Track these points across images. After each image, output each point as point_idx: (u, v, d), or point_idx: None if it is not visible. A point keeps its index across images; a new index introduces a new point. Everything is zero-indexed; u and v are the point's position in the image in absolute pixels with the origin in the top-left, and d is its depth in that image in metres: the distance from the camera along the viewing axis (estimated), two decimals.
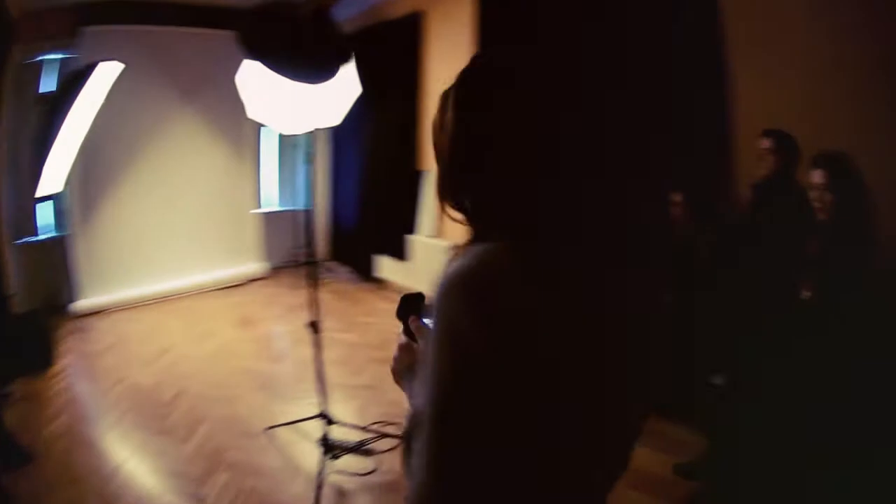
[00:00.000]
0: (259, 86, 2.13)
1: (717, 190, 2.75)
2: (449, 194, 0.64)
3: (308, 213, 2.63)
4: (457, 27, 4.21)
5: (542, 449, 0.52)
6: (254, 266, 5.05)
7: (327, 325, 3.96)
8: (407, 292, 0.76)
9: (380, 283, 4.94)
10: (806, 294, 1.90)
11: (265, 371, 3.23)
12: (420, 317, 0.75)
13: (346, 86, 2.30)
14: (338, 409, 2.52)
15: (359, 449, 2.31)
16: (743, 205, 2.50)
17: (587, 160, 0.56)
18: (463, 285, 0.51)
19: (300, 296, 4.57)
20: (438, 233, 4.45)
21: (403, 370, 0.73)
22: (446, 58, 4.39)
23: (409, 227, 4.51)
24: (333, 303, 4.48)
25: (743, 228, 2.37)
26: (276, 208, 5.49)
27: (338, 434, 2.34)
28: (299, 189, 5.47)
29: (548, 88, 0.57)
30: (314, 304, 2.45)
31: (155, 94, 4.34)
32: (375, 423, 2.54)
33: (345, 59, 2.15)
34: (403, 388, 0.73)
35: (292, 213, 5.42)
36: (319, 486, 2.07)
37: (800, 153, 2.15)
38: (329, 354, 3.15)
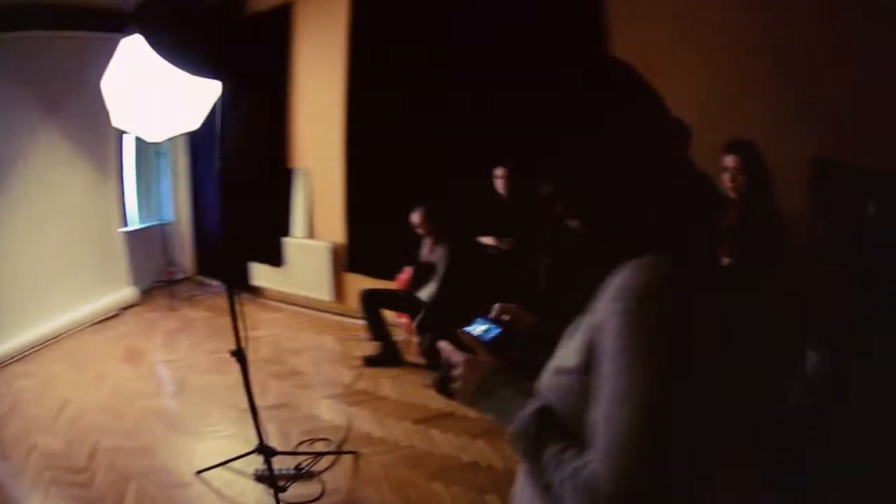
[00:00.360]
0: (124, 90, 2.08)
1: None
2: (600, 222, 0.70)
3: (170, 227, 2.62)
4: (329, 20, 4.12)
5: (713, 438, 0.64)
6: (126, 292, 4.70)
7: (212, 346, 3.83)
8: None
9: (256, 293, 4.91)
10: (725, 260, 2.14)
11: (170, 409, 3.16)
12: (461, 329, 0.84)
13: (207, 85, 2.20)
14: (254, 436, 2.51)
15: (300, 475, 2.37)
16: None
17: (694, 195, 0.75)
18: (661, 295, 0.58)
19: (178, 318, 4.55)
20: (312, 233, 4.51)
21: (474, 387, 0.76)
22: (318, 52, 4.30)
23: (283, 230, 4.51)
24: (213, 320, 4.41)
25: None
26: (138, 225, 5.07)
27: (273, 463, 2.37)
28: (160, 201, 5.17)
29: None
30: (235, 330, 2.32)
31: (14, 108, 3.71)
32: (302, 442, 2.67)
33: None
34: (478, 405, 0.77)
35: (156, 228, 5.11)
36: None
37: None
38: (226, 379, 3.19)
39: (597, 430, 0.59)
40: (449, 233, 3.59)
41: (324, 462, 2.49)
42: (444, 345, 0.84)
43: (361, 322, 4.23)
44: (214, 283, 5.22)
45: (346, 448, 2.63)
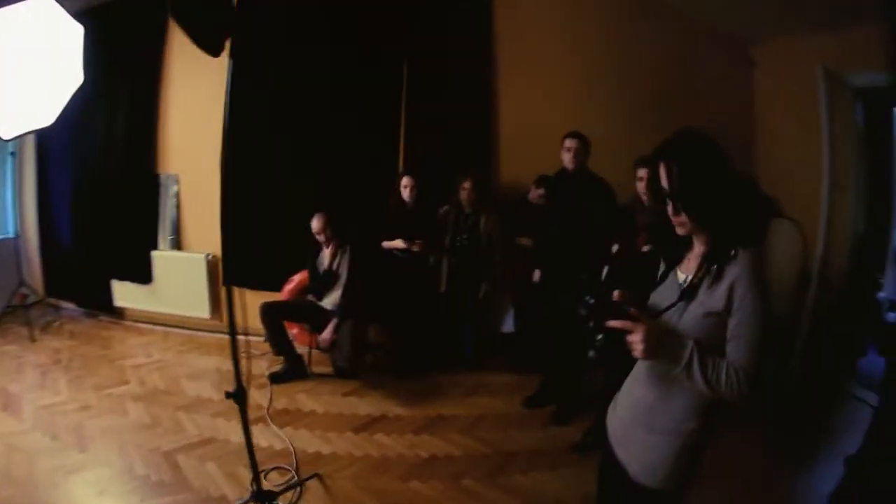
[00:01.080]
0: None
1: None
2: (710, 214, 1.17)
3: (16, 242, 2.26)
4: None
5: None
6: None
7: (95, 381, 3.32)
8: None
9: (119, 314, 4.21)
10: (646, 247, 2.66)
11: (80, 463, 2.54)
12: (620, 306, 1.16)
13: (64, 76, 1.94)
14: (200, 481, 2.40)
15: None
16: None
17: None
18: (762, 274, 1.12)
19: (42, 351, 3.80)
20: (181, 245, 4.01)
21: (656, 343, 1.11)
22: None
23: (151, 242, 3.89)
24: (81, 350, 3.80)
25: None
26: None
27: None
28: (3, 212, 4.21)
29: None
30: (236, 364, 2.06)
31: None
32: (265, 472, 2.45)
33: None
34: (661, 356, 1.13)
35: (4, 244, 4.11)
36: None
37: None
38: (129, 419, 2.94)
39: (735, 341, 1.12)
40: (349, 238, 3.61)
41: (290, 493, 2.36)
42: (615, 323, 1.14)
43: (244, 338, 3.99)
44: (70, 305, 4.38)
45: (301, 471, 2.55)
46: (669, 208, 1.22)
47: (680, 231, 1.23)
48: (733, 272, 1.12)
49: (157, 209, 4.03)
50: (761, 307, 1.10)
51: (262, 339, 4.02)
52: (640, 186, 2.74)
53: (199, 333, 4.15)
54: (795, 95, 3.84)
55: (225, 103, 3.80)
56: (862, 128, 3.91)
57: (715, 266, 1.16)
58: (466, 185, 3.55)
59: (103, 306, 4.25)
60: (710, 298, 1.14)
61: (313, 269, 3.60)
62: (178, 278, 4.02)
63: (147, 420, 2.91)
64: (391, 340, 3.96)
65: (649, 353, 1.11)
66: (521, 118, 4.03)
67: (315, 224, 3.47)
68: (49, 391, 3.21)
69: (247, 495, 2.17)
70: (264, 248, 3.90)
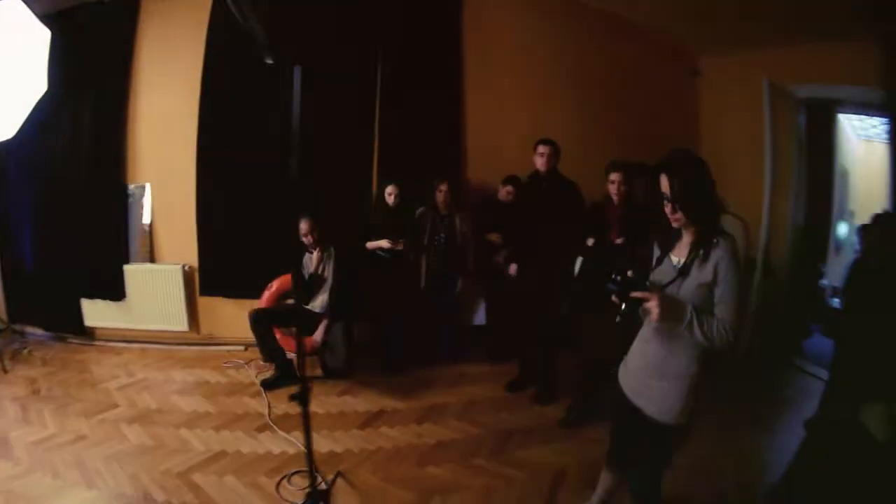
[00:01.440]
0: None
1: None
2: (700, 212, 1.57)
3: None
4: (187, 12, 3.55)
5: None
6: None
7: (81, 407, 3.12)
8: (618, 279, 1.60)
9: (90, 335, 3.98)
10: (619, 240, 2.96)
11: (92, 501, 2.38)
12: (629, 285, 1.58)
13: (28, 85, 1.82)
14: (225, 497, 2.40)
15: None
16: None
17: None
18: (738, 251, 1.54)
19: (17, 382, 3.46)
20: (154, 257, 3.85)
21: (667, 308, 1.52)
22: (169, 47, 3.54)
23: (122, 256, 3.70)
24: (58, 377, 3.50)
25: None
26: None
27: None
28: None
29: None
30: (302, 367, 2.08)
31: None
32: (280, 481, 2.52)
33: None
34: (670, 318, 1.52)
35: None
36: None
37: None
38: (130, 444, 2.80)
39: (720, 306, 1.53)
40: (334, 241, 3.69)
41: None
42: (638, 294, 1.56)
43: (226, 348, 3.96)
44: (37, 331, 4.04)
45: (321, 469, 2.61)
46: (668, 208, 1.61)
47: (675, 225, 1.64)
48: (717, 254, 1.55)
49: (127, 221, 3.81)
50: (739, 279, 1.55)
51: (241, 348, 4.02)
52: (612, 188, 3.07)
53: (178, 348, 4.00)
54: (739, 103, 4.43)
55: (198, 111, 3.73)
56: (804, 133, 4.58)
57: (702, 250, 1.59)
58: (443, 187, 3.75)
59: (73, 328, 3.97)
60: (701, 274, 1.57)
61: (298, 274, 3.63)
62: (153, 292, 3.84)
63: (150, 442, 2.82)
64: (377, 338, 4.05)
65: (662, 316, 1.51)
66: (485, 127, 4.32)
67: (303, 226, 3.51)
68: (35, 425, 2.96)
69: (302, 498, 2.28)
70: (241, 256, 3.86)
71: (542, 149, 3.40)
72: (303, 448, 2.77)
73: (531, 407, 3.41)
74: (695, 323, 1.52)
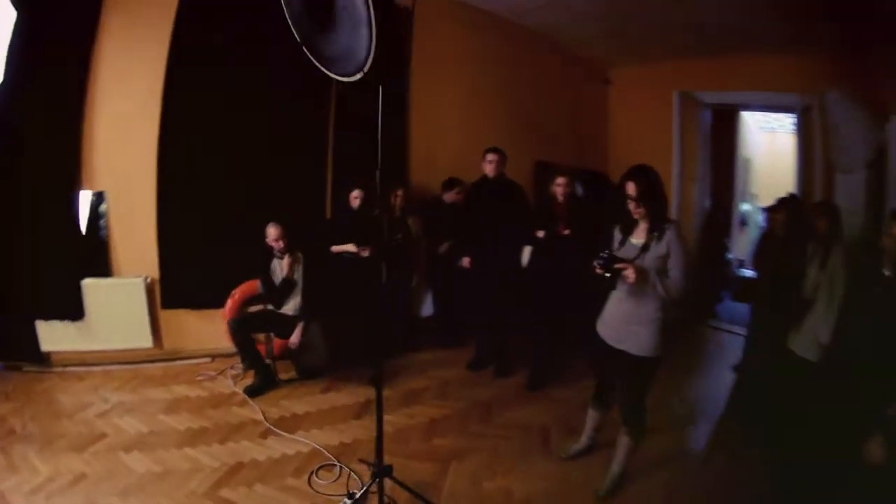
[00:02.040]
0: None
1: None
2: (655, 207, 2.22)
3: None
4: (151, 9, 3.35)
5: None
6: None
7: (64, 444, 2.82)
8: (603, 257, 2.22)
9: (46, 362, 3.54)
10: (566, 231, 3.50)
11: None
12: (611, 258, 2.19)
13: None
14: None
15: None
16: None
17: None
18: (681, 231, 2.24)
19: None
20: (115, 269, 3.56)
21: (639, 274, 2.12)
22: (134, 38, 3.37)
23: (80, 271, 3.36)
24: (26, 410, 3.10)
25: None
26: None
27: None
28: None
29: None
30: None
31: None
32: (318, 469, 2.67)
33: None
34: (641, 280, 2.14)
35: None
36: None
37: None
38: (135, 474, 2.64)
39: (673, 270, 2.18)
40: (302, 245, 3.79)
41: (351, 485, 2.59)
42: (620, 265, 2.17)
43: (193, 361, 3.88)
44: None
45: (342, 460, 2.81)
46: (632, 205, 2.28)
47: (636, 216, 2.29)
48: (668, 235, 2.21)
49: (81, 232, 3.42)
50: (685, 251, 2.22)
51: (208, 360, 3.94)
52: (558, 189, 3.63)
53: (143, 366, 3.74)
54: (648, 106, 5.33)
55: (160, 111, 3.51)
56: (709, 129, 5.66)
57: (657, 233, 2.24)
58: (399, 192, 4.03)
59: (30, 355, 3.47)
60: (658, 249, 2.22)
61: (267, 280, 3.66)
62: (114, 308, 3.52)
63: (157, 468, 2.68)
64: (350, 335, 4.15)
65: (637, 280, 2.15)
66: (428, 137, 4.68)
67: (273, 232, 3.55)
68: (25, 471, 2.61)
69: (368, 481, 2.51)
70: (203, 265, 3.75)
71: (490, 157, 3.85)
72: (316, 445, 2.98)
73: (494, 381, 3.94)
74: (658, 283, 2.17)
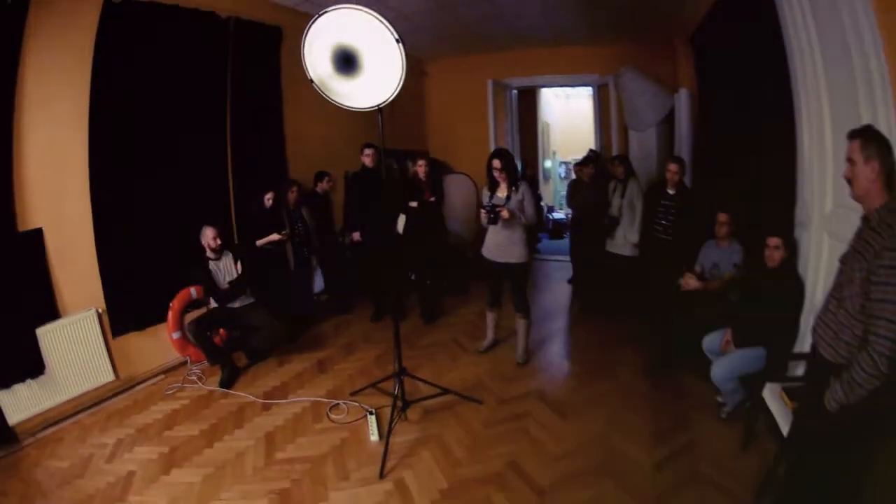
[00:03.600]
0: None
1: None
2: (511, 172, 3.61)
3: None
4: (73, 26, 3.21)
5: None
6: None
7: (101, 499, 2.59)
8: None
9: (15, 439, 3.10)
10: (431, 198, 4.62)
11: None
12: None
13: None
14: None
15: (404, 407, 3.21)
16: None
17: None
18: (528, 185, 3.79)
19: None
20: (58, 309, 3.36)
21: (510, 213, 3.52)
22: (55, 59, 3.12)
23: (34, 318, 3.12)
24: (28, 496, 2.66)
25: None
26: None
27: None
28: None
29: None
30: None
31: None
32: (357, 391, 3.31)
33: None
34: (511, 217, 3.49)
35: None
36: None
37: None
38: (194, 486, 2.71)
39: (528, 208, 3.64)
40: (234, 244, 4.27)
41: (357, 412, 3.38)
42: (501, 208, 3.58)
43: (149, 383, 3.98)
44: None
45: (339, 399, 3.56)
46: (497, 173, 3.51)
47: (499, 180, 3.51)
48: (522, 188, 3.51)
49: (31, 274, 3.02)
50: (534, 197, 3.60)
51: (162, 377, 4.03)
52: (420, 169, 4.82)
53: (109, 402, 3.56)
54: (464, 92, 6.61)
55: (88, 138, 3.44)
56: (515, 105, 7.13)
57: (514, 188, 3.49)
58: (294, 189, 4.65)
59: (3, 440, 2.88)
60: (516, 197, 3.48)
61: (210, 282, 3.90)
62: (72, 349, 3.24)
63: (209, 469, 2.83)
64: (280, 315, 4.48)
65: (509, 217, 3.38)
66: (298, 141, 5.21)
67: (210, 232, 3.86)
68: None
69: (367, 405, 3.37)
70: (144, 285, 3.81)
71: (367, 151, 4.77)
72: (313, 398, 3.62)
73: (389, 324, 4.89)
74: (520, 216, 3.44)
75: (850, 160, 1.73)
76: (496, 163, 3.54)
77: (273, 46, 4.81)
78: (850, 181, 1.75)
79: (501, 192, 3.63)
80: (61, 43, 3.22)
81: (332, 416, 3.38)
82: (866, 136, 1.70)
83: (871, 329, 1.53)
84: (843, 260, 1.80)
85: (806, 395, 2.14)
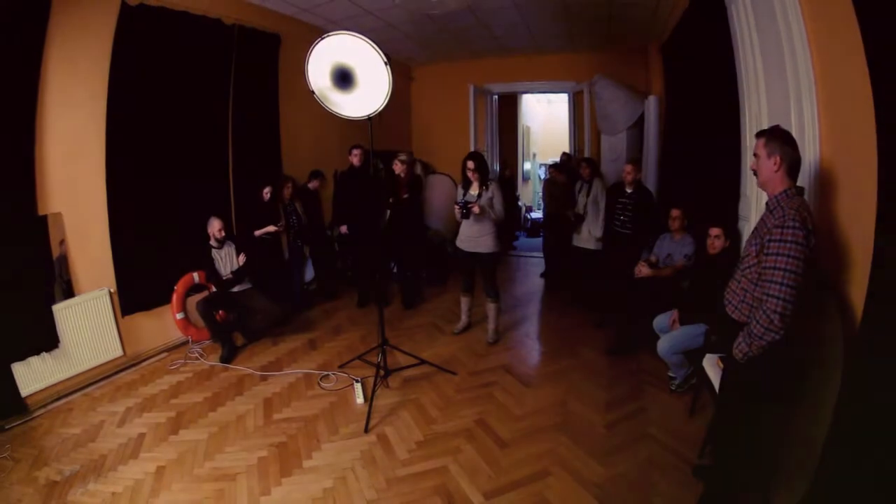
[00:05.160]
0: None
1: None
2: (483, 172, 3.94)
3: None
4: (93, 30, 3.40)
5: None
6: None
7: (111, 463, 2.70)
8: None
9: (27, 410, 3.24)
10: (406, 195, 4.90)
11: None
12: None
13: None
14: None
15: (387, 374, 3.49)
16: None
17: None
18: (498, 185, 4.45)
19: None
20: (73, 289, 3.55)
21: (481, 209, 3.83)
22: (77, 66, 3.34)
23: (49, 297, 3.33)
24: (54, 457, 2.78)
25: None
26: None
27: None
28: None
29: None
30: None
31: None
32: (364, 354, 3.66)
33: None
34: (482, 213, 3.82)
35: None
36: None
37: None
38: (215, 435, 2.99)
39: (496, 205, 4.03)
40: (235, 235, 4.48)
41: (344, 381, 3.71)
42: (472, 204, 3.85)
43: (154, 359, 4.19)
44: None
45: (329, 370, 3.82)
46: (471, 173, 3.83)
47: (472, 179, 3.84)
48: (492, 187, 3.81)
49: (50, 257, 3.19)
50: (503, 196, 3.87)
51: (164, 355, 4.25)
52: (398, 169, 5.07)
53: (117, 376, 3.75)
54: (443, 97, 6.81)
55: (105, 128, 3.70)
56: (496, 109, 7.28)
57: (485, 187, 3.81)
58: (289, 184, 4.90)
59: (13, 407, 3.05)
60: (487, 195, 3.77)
61: (213, 270, 4.13)
62: (84, 326, 3.44)
63: (213, 429, 3.04)
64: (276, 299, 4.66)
65: (479, 213, 3.71)
66: (292, 140, 5.40)
67: (216, 224, 4.10)
68: (100, 497, 2.46)
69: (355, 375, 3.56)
70: (154, 267, 4.02)
71: (355, 151, 5.03)
72: (305, 371, 3.93)
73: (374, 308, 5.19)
74: (490, 212, 3.71)
75: (755, 155, 2.04)
76: (470, 164, 3.87)
77: (272, 52, 5.06)
78: (755, 172, 2.06)
79: (474, 190, 3.94)
80: (81, 45, 3.42)
81: (323, 385, 3.65)
82: (770, 135, 2.00)
83: (765, 291, 1.84)
84: (748, 240, 2.12)
85: (725, 353, 2.43)
